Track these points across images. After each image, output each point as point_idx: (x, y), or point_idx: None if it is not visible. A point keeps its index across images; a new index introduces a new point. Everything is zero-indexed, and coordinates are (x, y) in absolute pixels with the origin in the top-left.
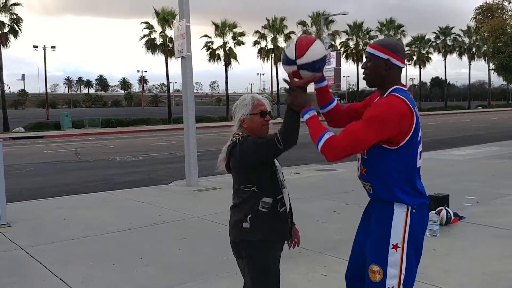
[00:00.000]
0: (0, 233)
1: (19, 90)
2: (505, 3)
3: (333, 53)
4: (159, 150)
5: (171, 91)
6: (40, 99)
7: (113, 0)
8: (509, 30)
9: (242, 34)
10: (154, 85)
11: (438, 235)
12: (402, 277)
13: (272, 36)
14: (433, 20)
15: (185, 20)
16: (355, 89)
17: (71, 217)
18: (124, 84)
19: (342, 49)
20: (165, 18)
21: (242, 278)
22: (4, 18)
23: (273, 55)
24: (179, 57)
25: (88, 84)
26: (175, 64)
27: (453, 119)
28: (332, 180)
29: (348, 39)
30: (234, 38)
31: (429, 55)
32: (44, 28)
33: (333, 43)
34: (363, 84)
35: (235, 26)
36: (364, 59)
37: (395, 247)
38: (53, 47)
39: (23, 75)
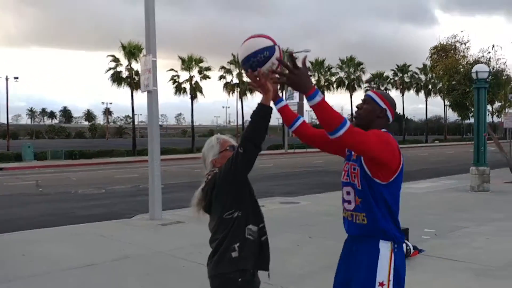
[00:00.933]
0: None
1: None
2: (457, 45)
3: None
4: (122, 183)
5: (136, 122)
6: (1, 130)
7: (80, 32)
8: (461, 69)
9: (208, 68)
10: (119, 117)
11: None
12: None
13: (238, 71)
14: (392, 58)
15: (152, 55)
16: (317, 122)
17: (30, 253)
18: (89, 115)
19: None
20: (132, 52)
21: None
22: None
23: (238, 89)
24: (145, 91)
25: (51, 115)
26: (141, 96)
27: (411, 152)
28: (296, 213)
29: (310, 75)
30: (200, 72)
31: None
32: (7, 59)
33: None
34: None
35: (201, 60)
36: (361, 101)
37: (381, 284)
38: (16, 77)
39: None
